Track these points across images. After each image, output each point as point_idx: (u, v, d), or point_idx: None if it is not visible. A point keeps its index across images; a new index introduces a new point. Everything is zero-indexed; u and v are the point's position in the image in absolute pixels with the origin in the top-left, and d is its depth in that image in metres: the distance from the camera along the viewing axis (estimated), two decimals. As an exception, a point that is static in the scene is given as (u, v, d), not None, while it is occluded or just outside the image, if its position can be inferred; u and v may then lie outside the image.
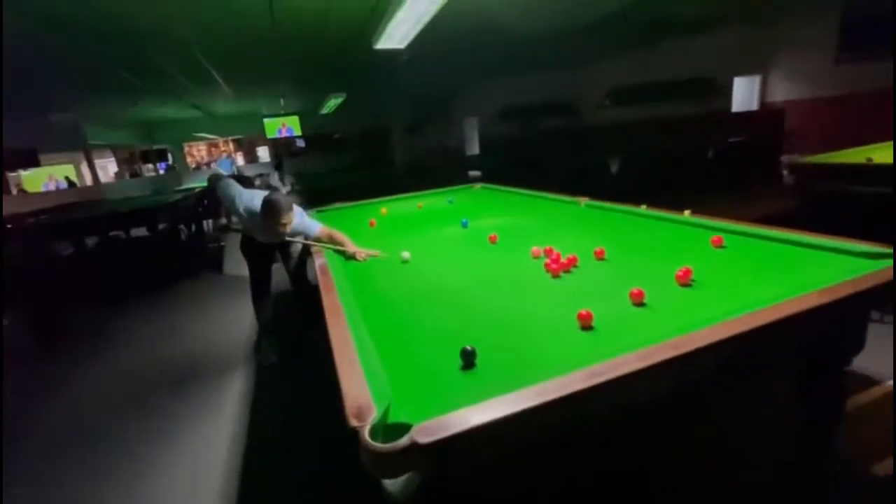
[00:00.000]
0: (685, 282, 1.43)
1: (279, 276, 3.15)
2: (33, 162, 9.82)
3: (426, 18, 3.36)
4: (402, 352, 1.21)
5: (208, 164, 15.43)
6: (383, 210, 3.60)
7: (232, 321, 3.76)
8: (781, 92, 8.12)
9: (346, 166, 12.78)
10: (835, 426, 1.56)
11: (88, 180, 11.33)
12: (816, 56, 7.18)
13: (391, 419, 0.89)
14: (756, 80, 8.52)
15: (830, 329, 1.36)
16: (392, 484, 0.86)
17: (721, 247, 1.76)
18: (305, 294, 2.99)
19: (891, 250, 1.40)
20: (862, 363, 2.09)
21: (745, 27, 7.73)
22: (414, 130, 14.28)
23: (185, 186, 9.78)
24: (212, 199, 6.33)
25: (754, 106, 8.52)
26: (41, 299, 3.60)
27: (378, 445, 0.78)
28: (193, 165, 15.16)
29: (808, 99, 7.59)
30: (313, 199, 5.41)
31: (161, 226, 5.56)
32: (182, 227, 6.39)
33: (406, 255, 2.10)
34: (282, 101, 11.38)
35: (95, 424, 2.51)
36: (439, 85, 11.17)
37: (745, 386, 1.32)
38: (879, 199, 2.75)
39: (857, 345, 1.45)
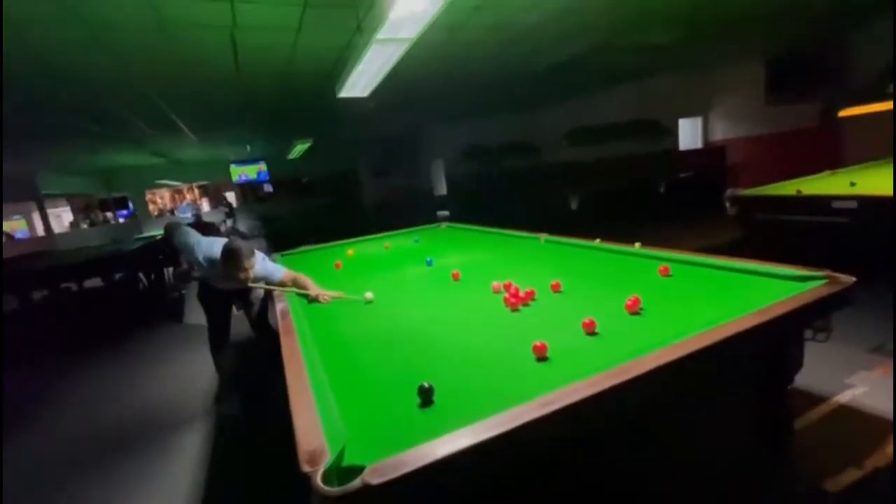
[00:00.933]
0: (634, 310, 1.50)
1: (241, 323, 3.06)
2: (-20, 214, 9.36)
3: (386, 69, 3.53)
4: (361, 393, 1.21)
5: (172, 212, 15.09)
6: (349, 251, 3.61)
7: (191, 372, 3.58)
8: (721, 131, 8.82)
9: (315, 210, 12.79)
10: (786, 442, 1.63)
11: (41, 230, 10.82)
12: (749, 98, 7.90)
13: (346, 462, 0.88)
14: (699, 121, 9.25)
15: (769, 348, 1.44)
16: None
17: (668, 276, 1.86)
18: (267, 340, 2.91)
19: (817, 273, 1.52)
20: (807, 382, 2.21)
21: (684, 74, 8.45)
22: (382, 173, 14.53)
23: (145, 234, 9.50)
24: (171, 247, 6.16)
25: (699, 144, 9.20)
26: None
27: (327, 489, 0.77)
28: (156, 213, 14.77)
29: (744, 137, 8.27)
30: (281, 243, 5.35)
31: (118, 275, 5.34)
32: (141, 275, 6.15)
33: (369, 295, 2.11)
34: (248, 147, 11.41)
35: (36, 495, 2.29)
36: (406, 128, 11.53)
37: (694, 406, 1.37)
38: (808, 227, 2.99)
39: (797, 363, 1.55)
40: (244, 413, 2.84)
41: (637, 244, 2.33)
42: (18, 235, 12.33)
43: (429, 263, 2.76)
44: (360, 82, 3.81)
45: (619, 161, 9.10)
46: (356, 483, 0.77)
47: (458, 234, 4.05)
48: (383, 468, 0.80)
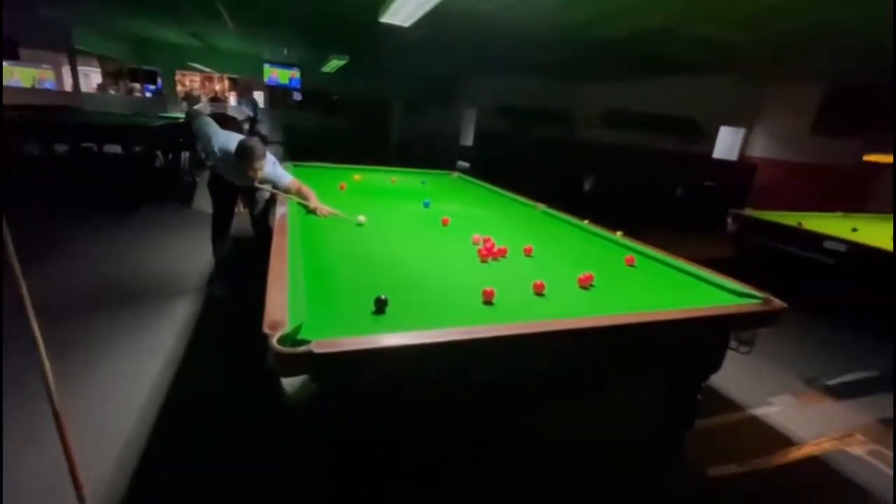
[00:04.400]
0: (584, 285, 1.66)
1: (243, 221, 3.26)
2: (13, 55, 9.38)
3: (433, 2, 3.48)
4: (328, 293, 1.40)
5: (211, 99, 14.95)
6: (357, 177, 3.74)
7: (191, 253, 3.85)
8: (760, 149, 8.59)
9: (338, 129, 12.74)
10: (685, 430, 1.85)
11: (68, 85, 10.89)
12: (796, 121, 7.64)
13: (300, 336, 1.08)
14: (741, 133, 8.98)
15: (689, 343, 1.62)
16: (289, 383, 1.05)
17: (632, 265, 2.01)
18: (263, 239, 3.12)
19: (757, 293, 1.67)
20: (736, 392, 2.43)
21: (741, 80, 8.11)
22: (412, 109, 14.28)
23: (169, 114, 9.56)
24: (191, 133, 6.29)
25: (734, 156, 8.99)
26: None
27: (279, 347, 0.97)
28: (182, 95, 14.67)
29: (780, 160, 8.08)
30: (297, 154, 5.47)
31: (137, 148, 5.51)
32: (158, 153, 6.33)
33: (362, 218, 2.28)
34: (286, 50, 11.18)
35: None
36: (442, 69, 11.22)
37: (612, 377, 1.57)
38: (796, 260, 3.07)
39: (714, 365, 1.73)
40: (230, 297, 3.11)
41: (619, 233, 2.45)
42: (47, 86, 12.39)
43: (426, 205, 2.91)
44: (403, 9, 3.77)
45: (645, 153, 8.95)
46: (303, 348, 0.97)
47: (465, 185, 4.16)
48: (326, 344, 1.00)
